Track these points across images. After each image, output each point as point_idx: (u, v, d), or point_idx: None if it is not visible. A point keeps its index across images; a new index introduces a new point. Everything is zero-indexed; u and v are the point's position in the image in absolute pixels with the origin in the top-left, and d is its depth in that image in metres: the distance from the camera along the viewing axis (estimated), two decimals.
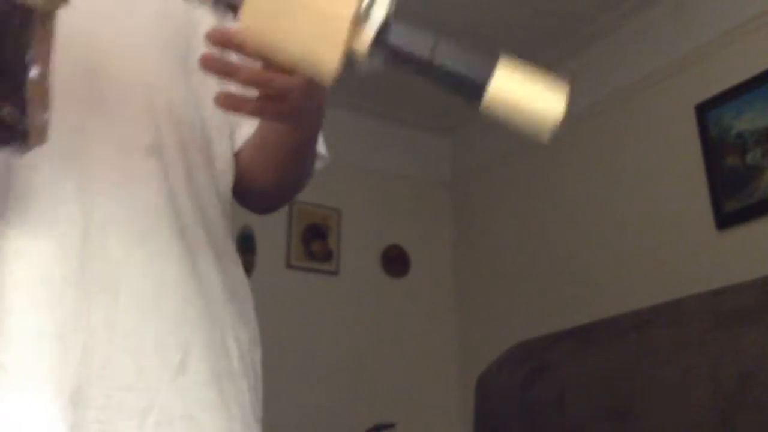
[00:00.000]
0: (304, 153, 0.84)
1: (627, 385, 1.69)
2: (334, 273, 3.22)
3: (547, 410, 1.87)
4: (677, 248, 2.46)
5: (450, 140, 3.71)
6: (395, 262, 3.43)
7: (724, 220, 2.34)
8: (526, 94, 0.51)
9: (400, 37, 0.52)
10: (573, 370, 1.88)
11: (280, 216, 2.99)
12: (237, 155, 0.85)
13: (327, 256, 3.22)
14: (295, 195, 0.93)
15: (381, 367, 3.16)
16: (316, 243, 3.21)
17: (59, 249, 0.65)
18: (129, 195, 0.70)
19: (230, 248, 0.81)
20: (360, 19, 0.51)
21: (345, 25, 0.50)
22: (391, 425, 2.87)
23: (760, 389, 1.40)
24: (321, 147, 0.89)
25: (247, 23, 0.52)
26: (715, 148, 2.41)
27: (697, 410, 1.50)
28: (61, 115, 0.63)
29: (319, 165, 0.91)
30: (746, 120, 2.34)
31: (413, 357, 3.26)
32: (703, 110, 2.47)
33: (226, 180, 0.83)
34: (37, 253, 0.64)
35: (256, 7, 0.51)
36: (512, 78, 0.52)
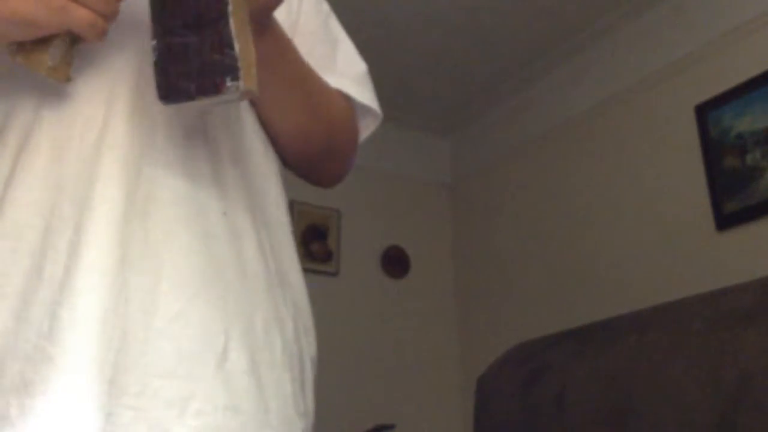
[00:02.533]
0: (291, 73, 0.79)
1: (627, 386, 1.69)
2: (334, 274, 3.22)
3: (548, 411, 1.87)
4: (677, 249, 2.47)
5: (450, 141, 3.71)
6: (395, 262, 3.43)
7: (724, 221, 2.35)
8: None
9: None
10: (573, 370, 1.88)
11: None
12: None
13: (327, 256, 3.22)
14: (328, 135, 0.84)
15: (381, 368, 3.16)
16: (315, 244, 3.21)
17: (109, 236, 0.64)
18: (173, 176, 0.68)
19: (283, 234, 0.78)
20: None
21: None
22: (391, 426, 2.87)
23: (760, 390, 1.40)
24: (372, 101, 0.86)
25: None
26: (715, 149, 2.41)
27: (697, 411, 1.50)
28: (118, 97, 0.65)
29: (371, 124, 0.88)
30: (746, 121, 2.35)
31: (413, 358, 3.26)
32: (703, 111, 2.48)
33: (273, 159, 0.80)
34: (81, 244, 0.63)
35: None
36: None
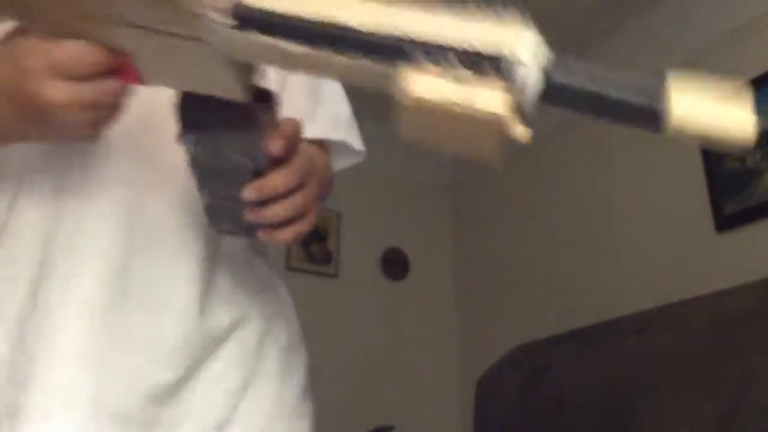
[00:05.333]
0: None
1: (627, 388, 1.69)
2: (334, 275, 3.22)
3: (547, 412, 1.87)
4: (677, 251, 2.47)
5: None
6: (395, 264, 3.43)
7: (724, 222, 2.35)
8: (710, 112, 0.46)
9: (559, 81, 0.47)
10: (573, 372, 1.88)
11: None
12: None
13: (327, 258, 3.22)
14: None
15: (380, 370, 3.16)
16: (315, 245, 3.21)
17: (102, 269, 0.67)
18: (164, 215, 0.72)
19: (269, 257, 0.83)
20: (516, 101, 0.46)
21: (500, 125, 0.46)
22: (391, 428, 2.87)
23: (760, 391, 1.40)
24: (357, 143, 0.92)
25: (404, 132, 0.50)
26: (714, 150, 2.42)
27: (697, 412, 1.50)
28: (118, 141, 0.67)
29: (353, 160, 0.93)
30: None
31: (413, 360, 3.26)
32: None
33: None
34: (82, 273, 0.66)
35: (409, 118, 0.48)
36: (689, 97, 0.46)
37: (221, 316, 0.73)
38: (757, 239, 2.24)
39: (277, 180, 0.60)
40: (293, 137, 0.61)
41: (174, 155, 0.64)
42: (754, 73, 2.32)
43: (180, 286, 0.70)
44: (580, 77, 0.47)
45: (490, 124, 0.46)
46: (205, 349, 0.71)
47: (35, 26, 0.56)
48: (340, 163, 0.92)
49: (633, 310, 1.98)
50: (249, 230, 0.63)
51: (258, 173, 0.60)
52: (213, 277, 0.73)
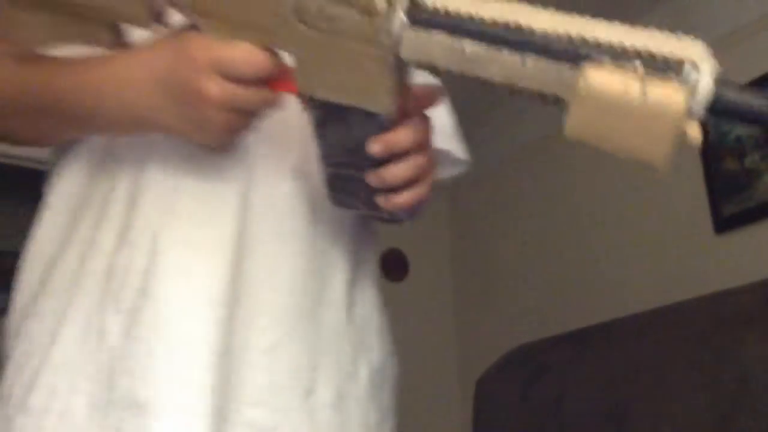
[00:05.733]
0: None
1: (626, 389, 1.69)
2: None
3: (547, 413, 1.87)
4: (676, 252, 2.47)
5: None
6: (394, 265, 3.43)
7: (723, 223, 2.35)
8: None
9: (730, 99, 0.48)
10: (572, 373, 1.88)
11: None
12: None
13: None
14: None
15: None
16: None
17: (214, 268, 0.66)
18: (275, 218, 0.70)
19: (370, 271, 0.81)
20: (689, 103, 0.48)
21: (676, 123, 0.48)
22: None
23: (760, 392, 1.41)
24: (461, 153, 0.88)
25: (571, 131, 0.52)
26: (713, 151, 2.42)
27: (696, 413, 1.50)
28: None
29: (457, 170, 0.90)
30: None
31: (412, 361, 3.25)
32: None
33: None
34: (194, 273, 0.66)
35: (581, 116, 0.50)
36: None
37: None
38: (756, 240, 2.24)
39: (401, 135, 0.59)
40: (424, 99, 0.61)
41: (294, 143, 0.66)
42: (755, 73, 2.32)
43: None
44: (747, 94, 0.49)
45: (665, 122, 0.48)
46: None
47: (208, 24, 0.56)
48: (443, 173, 0.90)
49: (632, 311, 1.98)
50: (368, 200, 0.63)
51: (383, 129, 0.59)
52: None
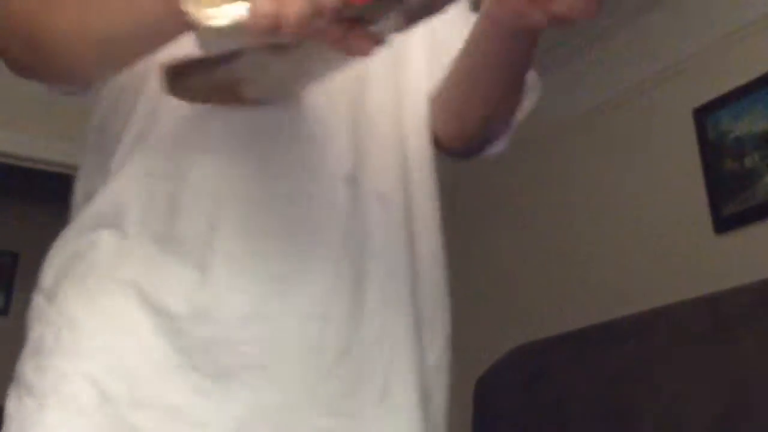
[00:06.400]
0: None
1: (626, 389, 1.69)
2: None
3: (547, 413, 1.87)
4: (676, 252, 2.47)
5: None
6: None
7: (723, 223, 2.35)
8: None
9: None
10: (572, 373, 1.88)
11: None
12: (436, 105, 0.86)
13: None
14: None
15: None
16: None
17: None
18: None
19: (438, 262, 0.87)
20: None
21: None
22: None
23: (759, 392, 1.41)
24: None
25: None
26: (713, 152, 2.42)
27: (696, 413, 1.50)
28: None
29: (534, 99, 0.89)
30: (744, 124, 2.35)
31: None
32: (701, 114, 2.48)
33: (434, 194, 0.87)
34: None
35: None
36: None
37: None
38: (756, 241, 2.24)
39: None
40: None
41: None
42: (755, 73, 2.32)
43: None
44: None
45: None
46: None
47: None
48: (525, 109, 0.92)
49: (632, 311, 1.97)
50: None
51: None
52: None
